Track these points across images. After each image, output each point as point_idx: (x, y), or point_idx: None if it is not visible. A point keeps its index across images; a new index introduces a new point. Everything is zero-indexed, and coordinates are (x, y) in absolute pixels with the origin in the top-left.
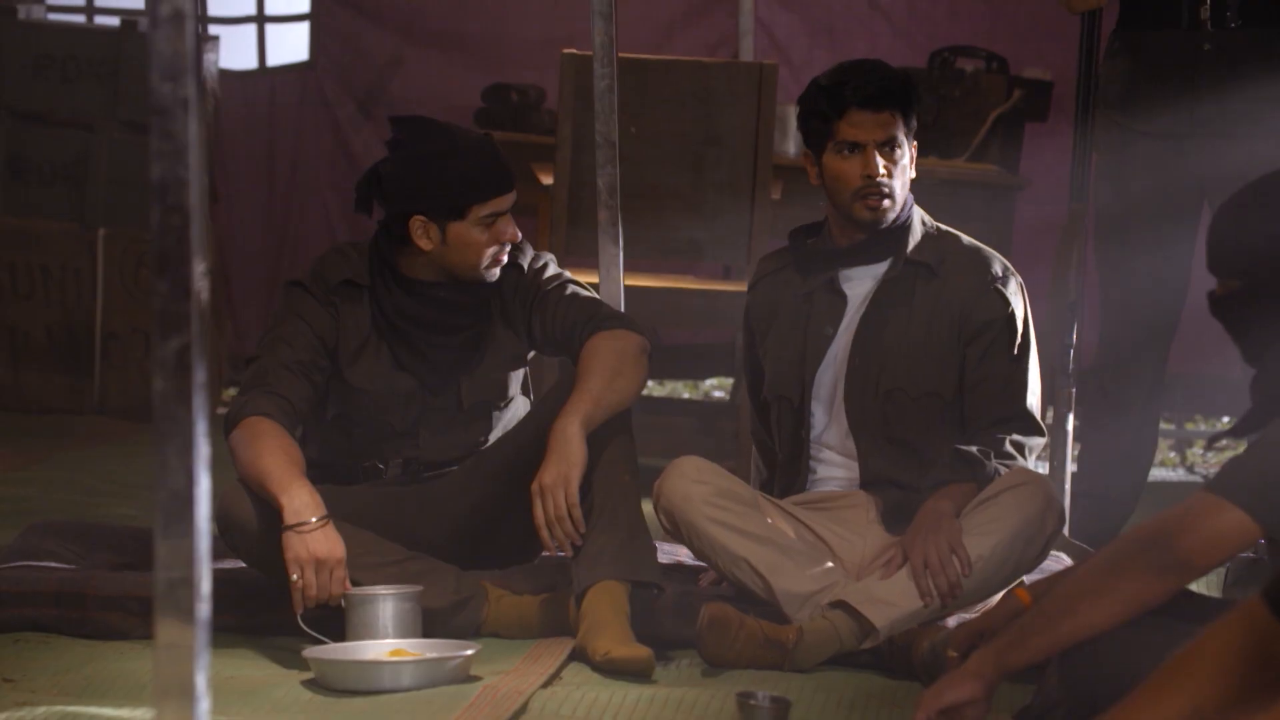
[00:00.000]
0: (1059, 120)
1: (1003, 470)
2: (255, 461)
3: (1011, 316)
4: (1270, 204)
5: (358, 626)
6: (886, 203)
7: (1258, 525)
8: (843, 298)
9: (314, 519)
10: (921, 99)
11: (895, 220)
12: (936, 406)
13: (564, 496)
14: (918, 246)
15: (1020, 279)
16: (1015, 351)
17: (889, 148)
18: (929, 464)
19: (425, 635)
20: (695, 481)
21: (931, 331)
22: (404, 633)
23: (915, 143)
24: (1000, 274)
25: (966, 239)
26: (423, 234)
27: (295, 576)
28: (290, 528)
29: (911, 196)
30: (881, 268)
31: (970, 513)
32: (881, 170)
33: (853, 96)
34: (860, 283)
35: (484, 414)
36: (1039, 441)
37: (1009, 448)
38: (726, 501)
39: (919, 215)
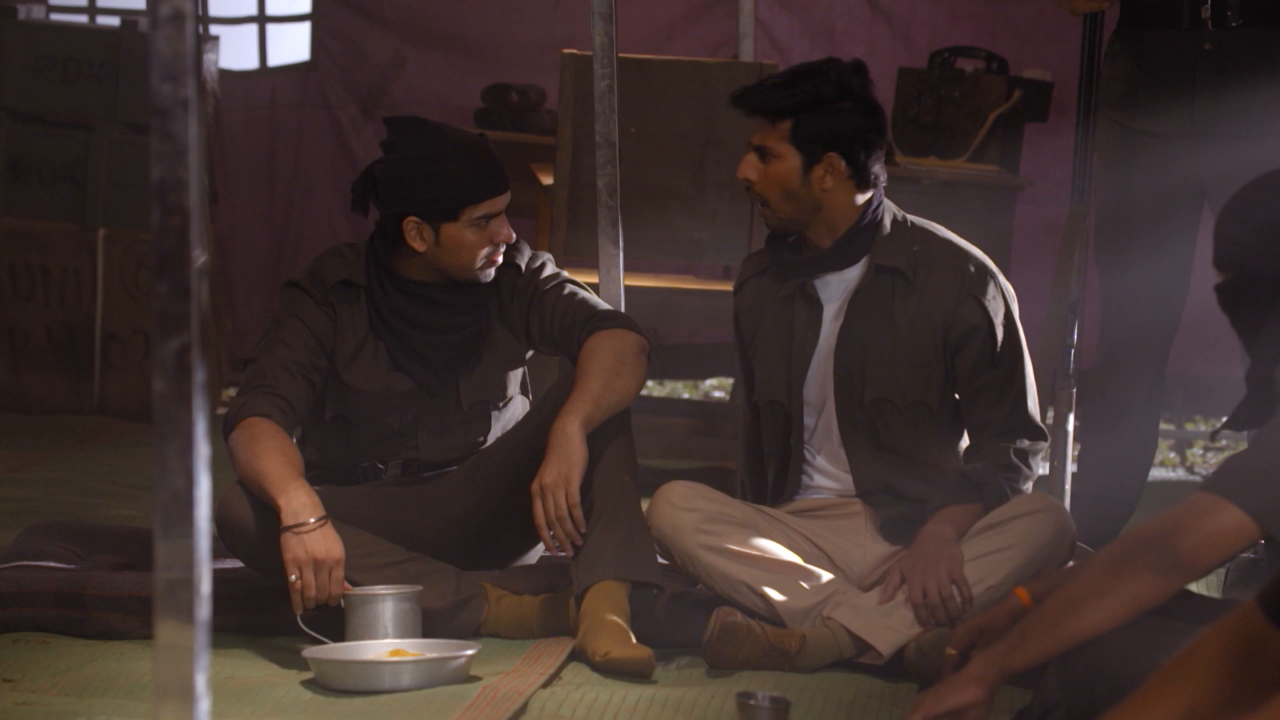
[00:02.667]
0: (1059, 121)
1: (1009, 491)
2: (253, 463)
3: (992, 324)
4: (1270, 199)
5: (357, 627)
6: (760, 207)
7: (1257, 525)
8: (818, 305)
9: (312, 520)
10: (822, 110)
11: (786, 225)
12: (925, 415)
13: (564, 496)
14: (888, 251)
15: (1000, 277)
16: (1005, 357)
17: (760, 154)
18: (923, 471)
19: (425, 635)
20: (683, 509)
21: (914, 340)
22: (404, 633)
23: (835, 155)
24: (977, 277)
25: (941, 233)
26: (416, 235)
27: (294, 577)
28: (288, 529)
29: (883, 200)
30: (853, 273)
31: (981, 535)
32: (743, 172)
33: (742, 102)
34: (835, 288)
35: (482, 414)
36: (1042, 445)
37: (1013, 458)
38: (717, 526)
39: (890, 216)
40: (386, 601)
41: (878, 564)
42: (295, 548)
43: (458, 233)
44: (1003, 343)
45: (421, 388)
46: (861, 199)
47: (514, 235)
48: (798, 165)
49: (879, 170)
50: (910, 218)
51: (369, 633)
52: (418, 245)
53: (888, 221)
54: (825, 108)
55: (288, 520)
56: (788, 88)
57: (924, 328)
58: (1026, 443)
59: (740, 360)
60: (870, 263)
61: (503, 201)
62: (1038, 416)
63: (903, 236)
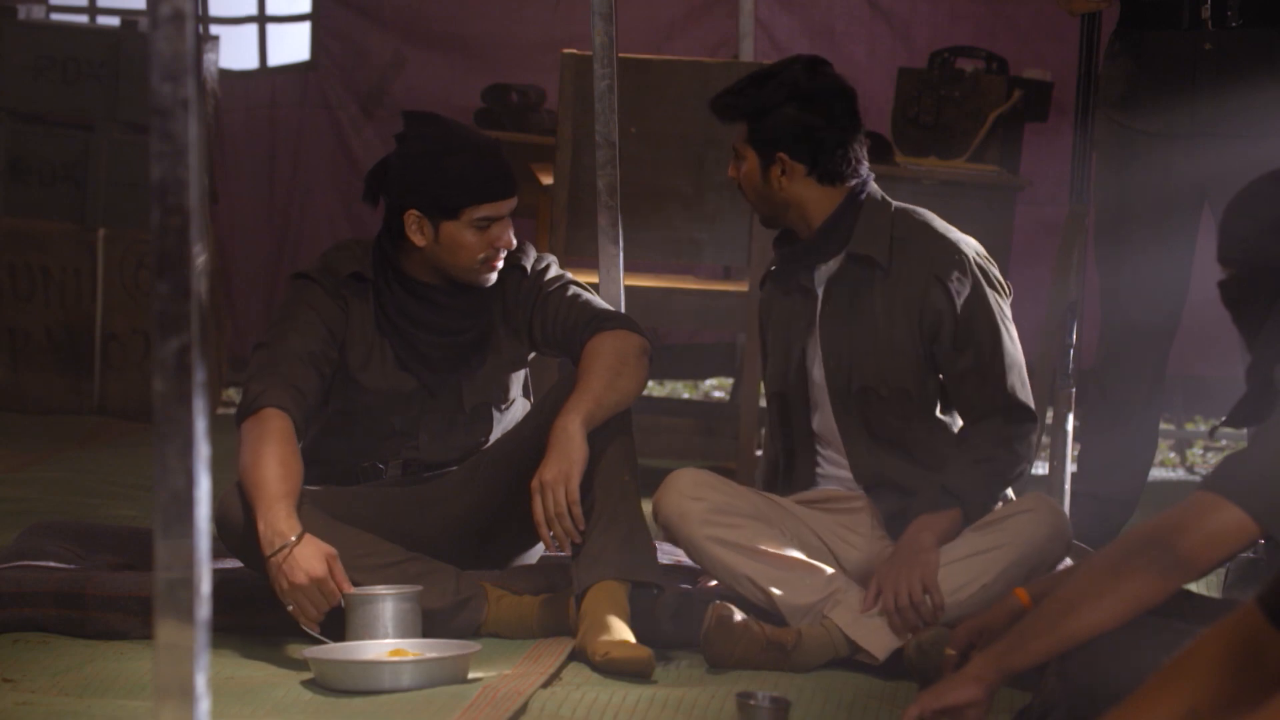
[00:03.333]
0: (1059, 121)
1: (992, 503)
2: (250, 470)
3: (956, 307)
4: (1275, 195)
5: (358, 627)
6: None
7: (1256, 524)
8: (812, 296)
9: (291, 539)
10: (772, 113)
11: (766, 220)
12: (909, 402)
13: (564, 494)
14: (863, 239)
15: (975, 259)
16: (980, 339)
17: (736, 154)
18: (918, 461)
19: (425, 635)
20: (691, 499)
21: (892, 328)
22: (404, 633)
23: (785, 155)
24: (945, 260)
25: (921, 218)
26: (417, 229)
27: (290, 607)
28: (269, 557)
29: (866, 190)
30: (835, 263)
31: (975, 533)
32: (728, 172)
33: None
34: (823, 279)
35: (484, 416)
36: (1030, 426)
37: (999, 445)
38: (724, 517)
39: (872, 205)
40: (386, 602)
41: (878, 559)
42: (279, 579)
43: (457, 232)
44: (976, 324)
45: (424, 388)
46: (834, 191)
47: (515, 242)
48: (757, 166)
49: (849, 163)
50: (896, 204)
51: (369, 633)
52: (417, 240)
53: (868, 211)
54: (771, 111)
55: (265, 549)
56: (737, 94)
57: (900, 314)
58: (1013, 425)
59: (762, 351)
60: (845, 252)
61: (507, 206)
62: (1026, 396)
63: (881, 223)
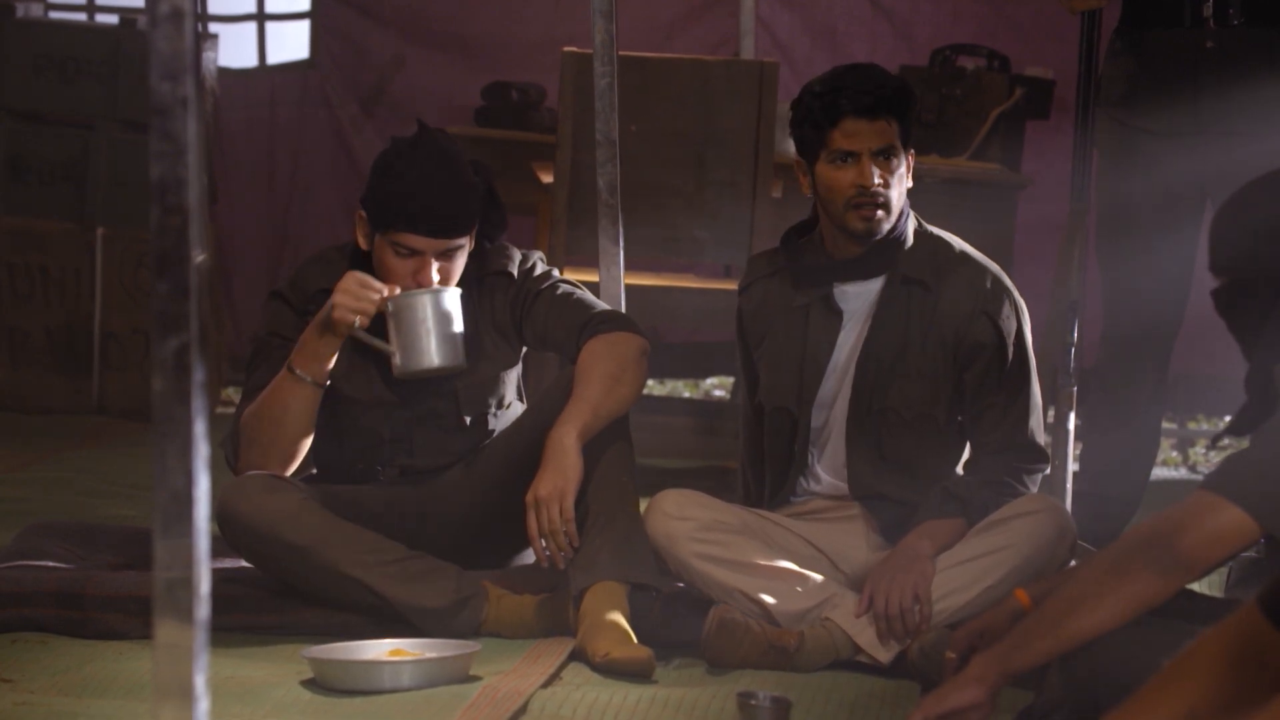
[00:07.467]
0: (1061, 119)
1: (994, 507)
2: (267, 398)
3: (1004, 343)
4: (1264, 201)
5: (406, 326)
6: (880, 214)
7: (1257, 523)
8: (838, 314)
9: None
10: (916, 106)
11: (891, 232)
12: (930, 427)
13: (558, 510)
14: (912, 261)
15: (1015, 294)
16: (1012, 377)
17: (884, 156)
18: (920, 483)
19: (425, 635)
20: (677, 519)
21: (926, 353)
22: (446, 328)
23: (913, 151)
24: (993, 295)
25: (958, 246)
26: (361, 229)
27: (350, 320)
28: (324, 315)
29: (908, 205)
30: (876, 283)
31: (980, 535)
32: (877, 180)
33: (848, 104)
34: (856, 297)
35: (480, 420)
36: (1040, 467)
37: (1007, 476)
38: (712, 534)
39: (913, 225)
40: (425, 297)
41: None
42: (330, 307)
43: (381, 248)
44: (1011, 363)
45: (406, 396)
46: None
47: (435, 281)
48: (909, 165)
49: None
50: (929, 227)
51: (413, 333)
52: (361, 241)
53: (910, 230)
54: (913, 107)
55: (309, 331)
56: (898, 85)
57: (936, 341)
58: (1025, 462)
59: (742, 360)
60: (896, 272)
61: (431, 245)
62: (1040, 438)
63: (924, 246)
